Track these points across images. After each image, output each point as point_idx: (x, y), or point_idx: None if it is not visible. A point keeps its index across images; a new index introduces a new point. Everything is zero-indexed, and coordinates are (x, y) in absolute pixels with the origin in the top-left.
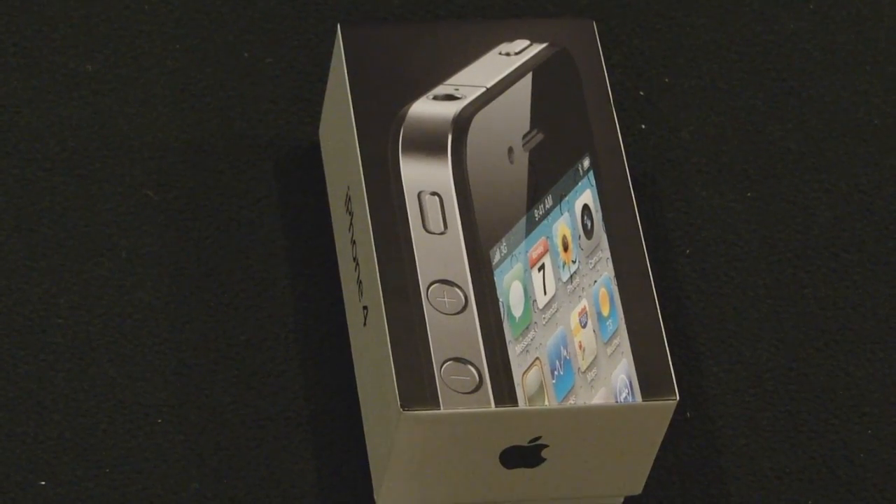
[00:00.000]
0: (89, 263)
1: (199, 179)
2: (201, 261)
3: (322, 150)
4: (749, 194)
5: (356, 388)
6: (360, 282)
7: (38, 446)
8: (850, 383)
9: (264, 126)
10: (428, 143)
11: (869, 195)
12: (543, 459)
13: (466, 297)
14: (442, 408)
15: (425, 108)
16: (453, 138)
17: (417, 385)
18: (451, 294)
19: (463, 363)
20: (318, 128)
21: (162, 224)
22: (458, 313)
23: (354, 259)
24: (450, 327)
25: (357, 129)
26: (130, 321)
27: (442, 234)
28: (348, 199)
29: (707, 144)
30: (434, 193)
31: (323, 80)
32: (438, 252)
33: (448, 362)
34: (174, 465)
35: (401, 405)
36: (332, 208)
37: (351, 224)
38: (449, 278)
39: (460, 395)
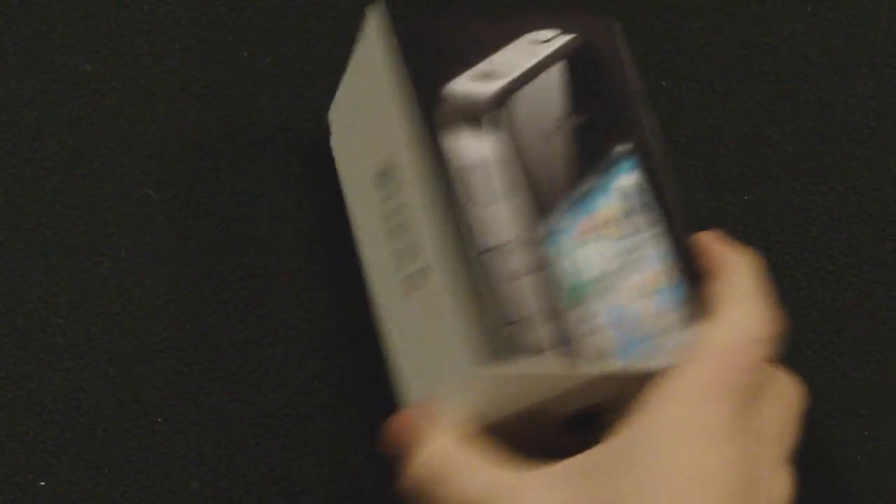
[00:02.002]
0: (89, 263)
1: (199, 178)
2: (201, 259)
3: (334, 132)
4: (746, 197)
5: (357, 384)
6: (403, 250)
7: (38, 446)
8: (847, 385)
9: (264, 125)
10: (470, 118)
11: (866, 198)
12: (603, 426)
13: (520, 267)
14: (507, 368)
15: (466, 86)
16: (495, 115)
17: (485, 345)
18: (504, 263)
19: (521, 327)
20: (317, 127)
21: (162, 223)
22: (514, 281)
23: (395, 229)
24: (507, 294)
25: (402, 103)
26: (130, 320)
27: (492, 205)
28: (383, 174)
29: (704, 147)
30: (480, 167)
31: (323, 79)
32: (489, 223)
33: (507, 327)
34: (174, 464)
35: (475, 361)
36: (350, 189)
37: (389, 197)
38: (502, 246)
39: (521, 359)
